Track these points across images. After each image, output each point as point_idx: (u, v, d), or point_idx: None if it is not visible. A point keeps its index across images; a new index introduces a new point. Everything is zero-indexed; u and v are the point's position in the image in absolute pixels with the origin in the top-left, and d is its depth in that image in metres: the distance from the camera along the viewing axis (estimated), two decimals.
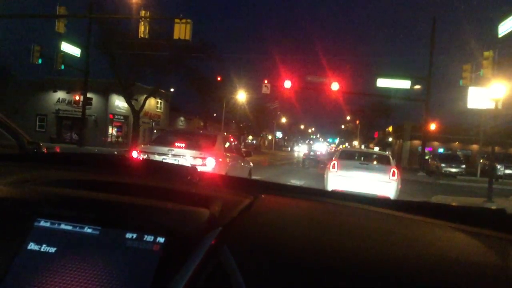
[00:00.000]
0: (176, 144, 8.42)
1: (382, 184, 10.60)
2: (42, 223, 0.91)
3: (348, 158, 12.21)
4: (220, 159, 8.47)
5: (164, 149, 8.22)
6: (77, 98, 32.43)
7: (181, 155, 8.06)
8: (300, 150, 69.19)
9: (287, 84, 32.68)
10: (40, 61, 25.18)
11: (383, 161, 11.94)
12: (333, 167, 11.20)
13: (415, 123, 49.54)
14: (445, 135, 44.93)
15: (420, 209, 1.21)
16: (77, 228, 0.89)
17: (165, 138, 9.25)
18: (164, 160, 7.70)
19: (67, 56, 28.11)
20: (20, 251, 0.87)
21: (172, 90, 46.71)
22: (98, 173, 1.30)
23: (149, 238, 0.86)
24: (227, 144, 9.59)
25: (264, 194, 1.19)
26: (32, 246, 0.88)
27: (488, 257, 0.90)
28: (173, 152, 8.15)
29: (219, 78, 48.65)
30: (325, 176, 11.75)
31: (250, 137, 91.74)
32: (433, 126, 36.46)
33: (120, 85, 33.43)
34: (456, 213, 1.20)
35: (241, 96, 55.09)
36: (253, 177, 18.27)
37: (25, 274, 0.84)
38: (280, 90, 34.31)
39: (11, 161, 1.49)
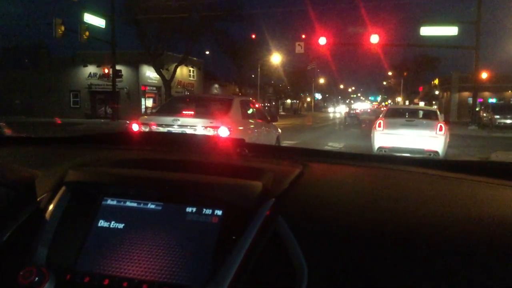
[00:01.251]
0: (184, 112, 7.18)
1: (429, 139, 10.49)
2: (109, 202, 0.96)
3: (394, 115, 11.97)
4: (237, 127, 7.19)
5: (169, 119, 6.98)
6: (106, 71, 31.55)
7: (189, 125, 6.81)
8: (336, 110, 66.79)
9: (322, 41, 30.79)
10: (62, 34, 24.37)
11: (430, 116, 11.74)
12: (379, 125, 11.07)
13: (463, 73, 46.29)
14: (496, 84, 41.62)
15: (471, 168, 1.20)
16: (141, 205, 0.94)
17: (172, 106, 8.01)
18: (169, 132, 6.55)
19: (92, 28, 27.25)
20: (92, 229, 0.93)
21: (206, 55, 45.58)
22: (154, 151, 1.38)
23: (207, 211, 0.90)
24: (248, 110, 8.26)
25: (312, 163, 1.20)
26: (101, 223, 0.94)
27: None
28: (179, 122, 6.90)
29: (253, 36, 46.93)
30: (371, 135, 11.51)
31: (288, 100, 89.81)
32: (484, 75, 33.64)
33: (148, 55, 32.47)
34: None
35: (276, 58, 53.16)
36: (291, 142, 17.12)
37: (98, 249, 0.90)
38: (315, 48, 32.35)
39: (66, 144, 1.56)
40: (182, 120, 6.92)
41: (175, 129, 6.79)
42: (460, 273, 0.73)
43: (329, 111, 73.51)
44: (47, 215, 0.96)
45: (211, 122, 6.78)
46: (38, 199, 1.00)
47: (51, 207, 0.97)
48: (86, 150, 1.38)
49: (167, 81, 33.17)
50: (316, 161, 1.27)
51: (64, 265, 0.88)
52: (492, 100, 40.82)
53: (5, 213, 0.96)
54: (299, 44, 31.37)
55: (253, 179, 0.96)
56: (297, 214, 0.88)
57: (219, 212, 0.89)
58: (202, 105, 7.82)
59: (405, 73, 67.55)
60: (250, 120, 8.21)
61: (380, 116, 12.16)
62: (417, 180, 1.13)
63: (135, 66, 35.72)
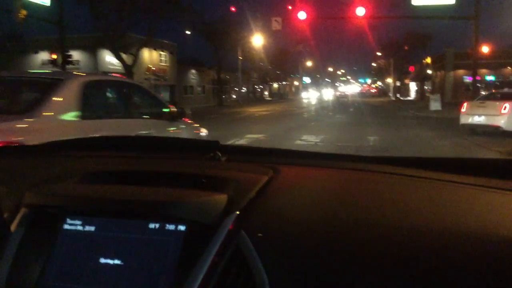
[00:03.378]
0: None
1: (495, 117, 13.41)
2: (71, 221, 0.94)
3: (479, 99, 15.43)
4: (57, 133, 3.52)
5: None
6: (54, 57, 27.28)
7: None
8: (310, 96, 63.13)
9: (302, 15, 27.20)
10: None
11: (503, 98, 14.08)
12: (464, 107, 14.70)
13: (458, 50, 42.85)
14: (494, 61, 38.13)
15: (463, 168, 1.13)
16: (104, 223, 0.92)
17: None
18: None
19: (35, 7, 23.33)
20: (54, 250, 0.91)
21: (180, 38, 41.66)
22: (117, 159, 1.35)
23: (171, 227, 0.88)
24: (107, 98, 4.71)
25: (284, 166, 1.16)
26: (63, 244, 0.92)
27: None
28: None
29: (232, 9, 43.04)
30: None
31: (276, 85, 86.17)
32: (485, 49, 30.22)
33: (106, 37, 28.63)
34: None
35: (258, 39, 49.37)
36: (258, 135, 13.82)
37: (59, 270, 0.89)
38: (296, 24, 28.68)
39: (30, 153, 1.53)
40: None
41: None
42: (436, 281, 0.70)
43: (303, 96, 68.34)
44: (9, 235, 0.92)
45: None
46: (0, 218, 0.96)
47: (12, 227, 0.93)
48: (50, 160, 1.36)
49: (129, 67, 29.39)
50: (289, 163, 1.24)
51: (26, 286, 0.87)
52: (490, 78, 37.48)
53: None
54: (276, 20, 27.67)
55: (218, 191, 0.94)
56: (261, 228, 0.83)
57: (182, 228, 0.87)
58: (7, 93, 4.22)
59: (392, 54, 63.59)
60: (110, 119, 4.46)
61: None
62: (402, 184, 1.06)
63: (93, 51, 31.90)
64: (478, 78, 34.47)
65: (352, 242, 0.79)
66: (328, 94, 66.25)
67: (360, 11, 26.18)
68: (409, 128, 16.46)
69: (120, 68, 31.60)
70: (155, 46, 38.91)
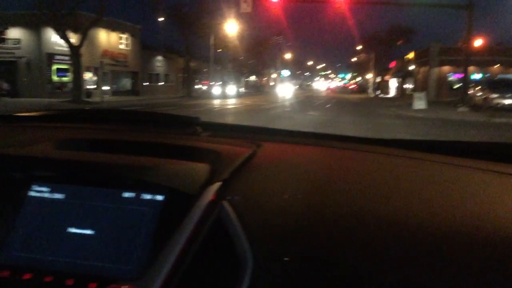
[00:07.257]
0: None
1: None
2: (38, 187, 0.88)
3: None
4: None
5: None
6: None
7: None
8: (287, 90, 60.51)
9: None
10: None
11: None
12: None
13: (444, 45, 40.20)
14: (482, 57, 35.53)
15: (438, 148, 1.15)
16: (74, 190, 0.85)
17: None
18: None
19: None
20: (17, 217, 0.85)
21: (146, 21, 37.94)
22: (93, 130, 1.30)
23: (147, 196, 0.83)
24: None
25: (267, 142, 1.16)
26: (28, 211, 0.85)
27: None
28: None
29: None
30: None
31: (253, 77, 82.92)
32: (478, 42, 27.47)
33: (51, 14, 24.78)
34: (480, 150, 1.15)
35: (232, 27, 45.83)
36: None
37: (22, 239, 0.82)
38: (268, 7, 25.36)
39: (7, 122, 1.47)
40: None
41: None
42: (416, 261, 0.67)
43: (280, 89, 64.28)
44: None
45: None
46: None
47: None
48: (18, 129, 1.31)
49: (75, 48, 25.59)
50: (272, 140, 1.24)
51: None
52: (477, 76, 34.86)
53: None
54: (245, 1, 24.35)
55: (200, 161, 0.91)
56: (245, 199, 0.81)
57: (160, 198, 0.82)
58: None
59: (374, 48, 60.81)
60: None
61: None
62: (380, 162, 1.09)
63: (36, 30, 27.93)
64: (457, 75, 31.71)
65: (338, 217, 0.76)
66: (306, 88, 63.45)
67: None
68: (394, 131, 13.34)
69: (68, 49, 27.75)
70: (113, 28, 35.06)
